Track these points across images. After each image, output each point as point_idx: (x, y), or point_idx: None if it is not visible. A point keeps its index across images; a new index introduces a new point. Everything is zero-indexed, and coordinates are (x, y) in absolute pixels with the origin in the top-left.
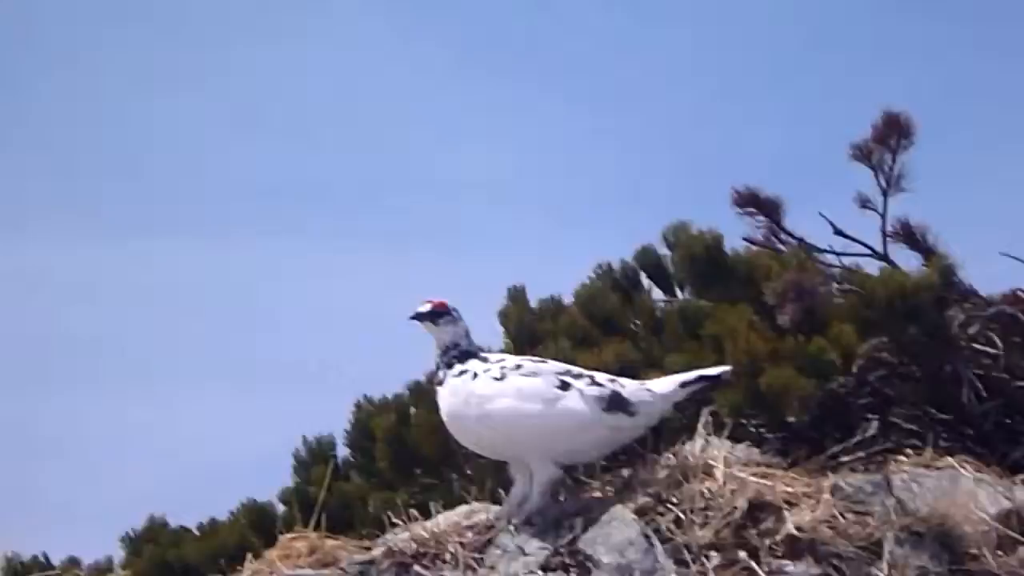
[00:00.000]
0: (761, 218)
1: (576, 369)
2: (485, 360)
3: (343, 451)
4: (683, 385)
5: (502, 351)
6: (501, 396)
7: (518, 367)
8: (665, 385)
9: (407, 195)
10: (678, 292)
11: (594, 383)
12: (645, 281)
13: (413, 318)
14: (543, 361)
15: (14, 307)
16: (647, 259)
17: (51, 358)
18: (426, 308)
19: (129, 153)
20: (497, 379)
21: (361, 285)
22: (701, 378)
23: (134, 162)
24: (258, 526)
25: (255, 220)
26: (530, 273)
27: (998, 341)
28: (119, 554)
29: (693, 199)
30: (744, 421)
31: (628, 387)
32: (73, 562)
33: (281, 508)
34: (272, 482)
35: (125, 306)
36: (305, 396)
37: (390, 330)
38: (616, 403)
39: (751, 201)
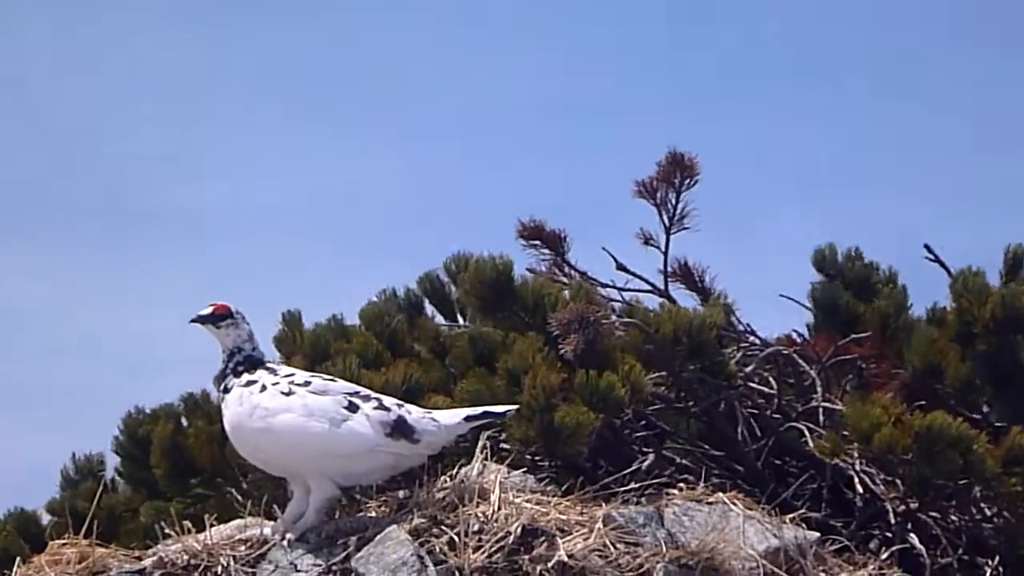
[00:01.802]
0: (545, 251)
1: (365, 391)
2: (274, 372)
3: (112, 464)
4: (468, 419)
5: None
6: (287, 411)
7: (307, 383)
8: (451, 417)
9: (184, 222)
10: (460, 319)
11: (381, 407)
12: (428, 308)
13: (194, 321)
14: (332, 380)
15: None
16: (430, 285)
17: None
18: (207, 311)
19: None
20: (285, 393)
21: (129, 308)
22: (487, 414)
23: None
24: (25, 533)
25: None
26: (310, 301)
27: (772, 382)
28: None
29: (479, 232)
30: (522, 449)
31: (414, 414)
32: None
33: (48, 519)
34: (39, 498)
35: None
36: (71, 413)
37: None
38: (400, 429)
39: (536, 234)
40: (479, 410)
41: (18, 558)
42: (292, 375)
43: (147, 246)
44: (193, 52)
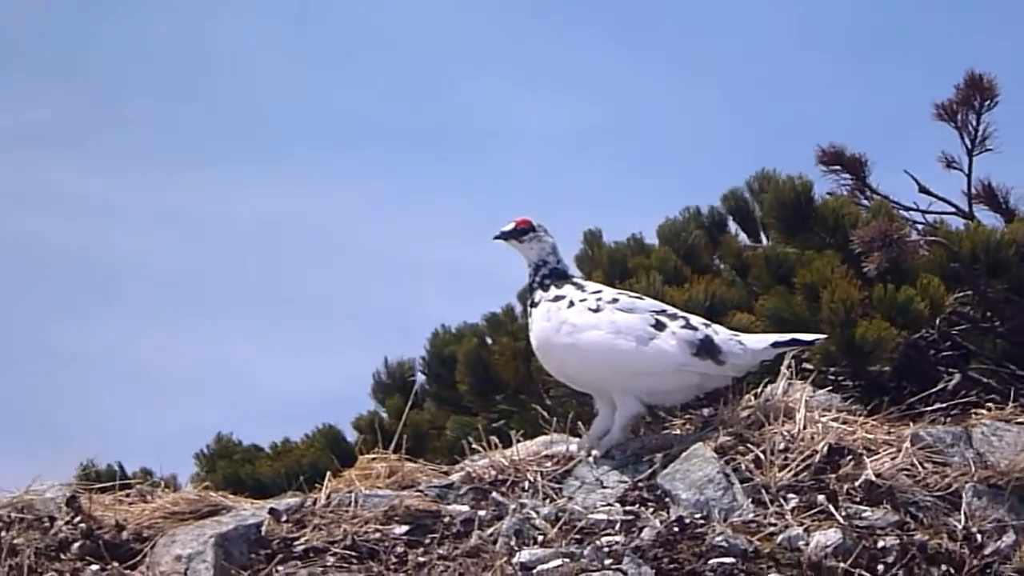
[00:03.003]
0: (846, 175)
1: (672, 309)
2: (581, 288)
3: (419, 381)
4: (775, 345)
5: None
6: (595, 328)
7: (614, 300)
8: (758, 341)
9: (487, 144)
10: (763, 238)
11: (688, 326)
12: (732, 226)
13: (497, 237)
14: (639, 297)
15: (80, 233)
16: (734, 203)
17: (126, 288)
18: (510, 227)
19: (192, 79)
20: (592, 310)
21: (434, 230)
22: (794, 341)
23: (197, 88)
24: (333, 448)
25: (330, 156)
26: (608, 222)
27: None
28: (191, 470)
29: (776, 158)
30: (824, 368)
31: (721, 335)
32: (146, 473)
33: (354, 435)
34: (346, 414)
35: (206, 239)
36: (378, 335)
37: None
38: (707, 349)
39: (836, 159)
40: (787, 337)
41: (328, 472)
42: (600, 292)
43: (458, 168)
44: None
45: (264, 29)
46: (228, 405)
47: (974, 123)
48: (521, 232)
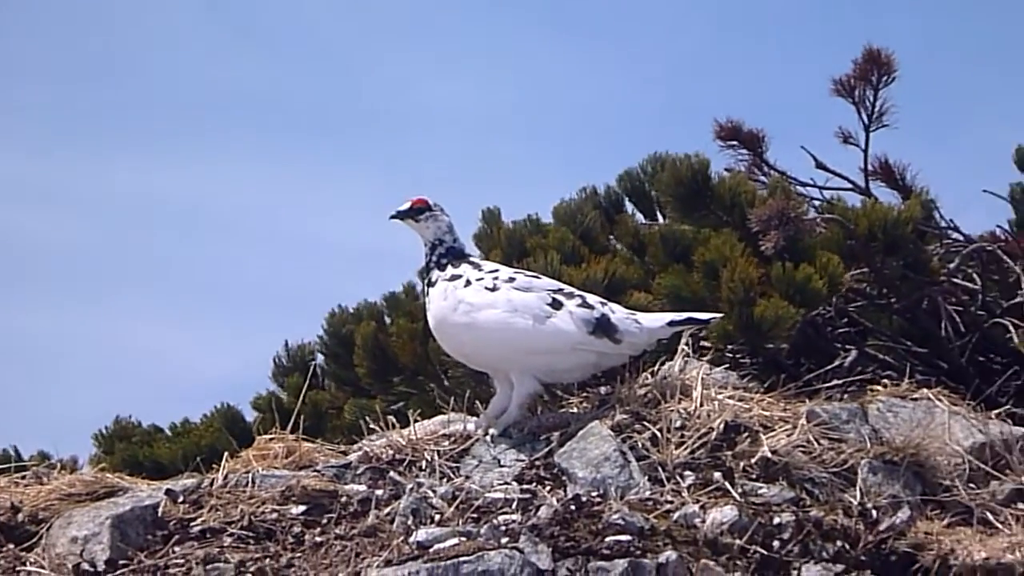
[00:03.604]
0: (743, 151)
1: (569, 288)
2: (478, 267)
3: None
4: (671, 324)
5: None
6: (491, 307)
7: (511, 280)
8: (654, 320)
9: (388, 122)
10: (659, 218)
11: (585, 304)
12: (628, 206)
13: (393, 217)
14: (537, 277)
15: None
16: (630, 183)
17: (18, 265)
18: (406, 206)
19: (118, 61)
20: (489, 289)
21: (338, 210)
22: (691, 320)
23: (122, 71)
24: (232, 429)
25: (231, 137)
26: (507, 200)
27: (976, 278)
28: (89, 452)
29: (674, 135)
30: (722, 345)
31: (618, 313)
32: (43, 456)
33: (253, 415)
34: (246, 395)
35: (102, 218)
36: (282, 314)
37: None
38: (603, 327)
39: (733, 134)
40: (683, 316)
41: (226, 453)
42: (497, 271)
43: (352, 145)
44: None
45: (173, 5)
46: (133, 387)
47: (871, 98)
48: (417, 211)
